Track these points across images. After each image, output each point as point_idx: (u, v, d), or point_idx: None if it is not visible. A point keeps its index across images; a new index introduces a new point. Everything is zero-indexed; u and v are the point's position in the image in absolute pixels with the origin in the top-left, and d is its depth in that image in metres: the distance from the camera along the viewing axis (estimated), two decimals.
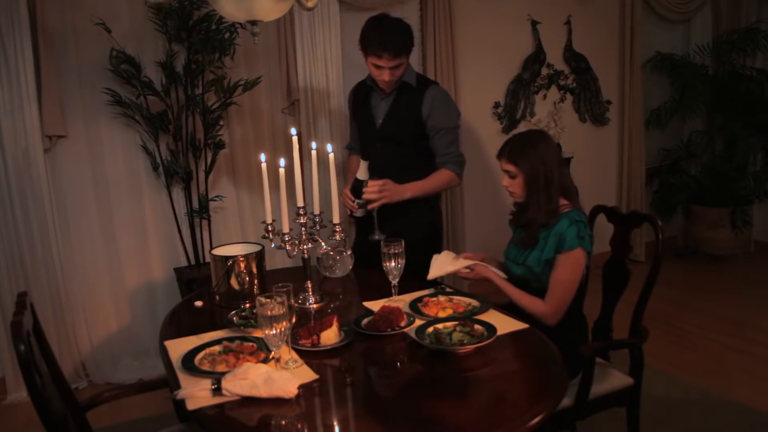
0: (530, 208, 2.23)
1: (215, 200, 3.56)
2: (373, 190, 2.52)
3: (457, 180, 2.82)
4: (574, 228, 2.15)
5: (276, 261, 3.59)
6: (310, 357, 1.83)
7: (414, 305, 2.16)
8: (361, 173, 2.49)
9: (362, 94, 2.88)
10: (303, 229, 2.20)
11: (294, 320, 1.76)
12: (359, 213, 2.66)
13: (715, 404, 2.94)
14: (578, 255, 2.16)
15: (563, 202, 2.23)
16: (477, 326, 1.91)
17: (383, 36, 2.58)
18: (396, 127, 2.74)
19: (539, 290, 2.20)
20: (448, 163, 2.75)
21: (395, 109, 2.75)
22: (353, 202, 2.61)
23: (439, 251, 2.41)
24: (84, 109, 3.34)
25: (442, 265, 2.30)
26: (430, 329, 1.92)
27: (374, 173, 2.52)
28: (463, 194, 4.24)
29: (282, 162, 2.16)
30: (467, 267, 2.31)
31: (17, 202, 3.17)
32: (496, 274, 2.30)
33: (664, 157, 5.16)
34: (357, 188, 2.54)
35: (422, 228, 2.76)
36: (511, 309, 2.24)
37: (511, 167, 2.23)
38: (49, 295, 3.29)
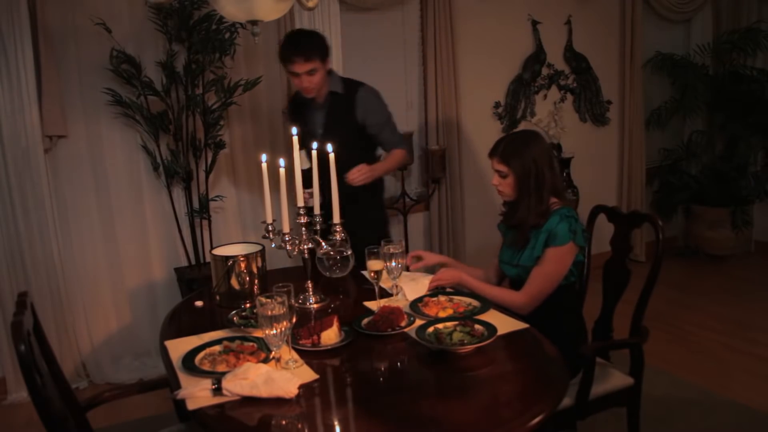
0: (520, 209, 2.24)
1: (215, 200, 3.56)
2: (362, 172, 2.75)
3: (409, 157, 3.23)
4: (565, 223, 2.15)
5: (276, 261, 3.59)
6: (310, 357, 1.83)
7: (414, 305, 2.16)
8: (304, 162, 2.57)
9: (299, 106, 3.07)
10: (303, 229, 2.20)
11: (294, 320, 1.76)
12: (311, 202, 2.68)
13: (715, 404, 2.94)
14: (568, 250, 2.16)
15: (553, 200, 2.23)
16: (477, 326, 1.91)
17: (292, 43, 2.77)
18: (336, 135, 2.73)
19: None
20: (398, 145, 3.02)
21: (330, 118, 2.94)
22: (304, 192, 2.65)
23: (381, 232, 2.69)
24: (84, 109, 3.34)
25: (414, 290, 2.29)
26: (431, 329, 1.92)
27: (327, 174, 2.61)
28: (463, 194, 4.24)
29: (282, 162, 2.17)
30: (436, 278, 2.32)
31: (17, 202, 3.17)
32: (466, 274, 2.32)
33: (665, 157, 5.16)
34: (306, 178, 2.55)
35: (371, 213, 2.97)
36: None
37: (502, 167, 2.23)
38: (50, 295, 3.30)
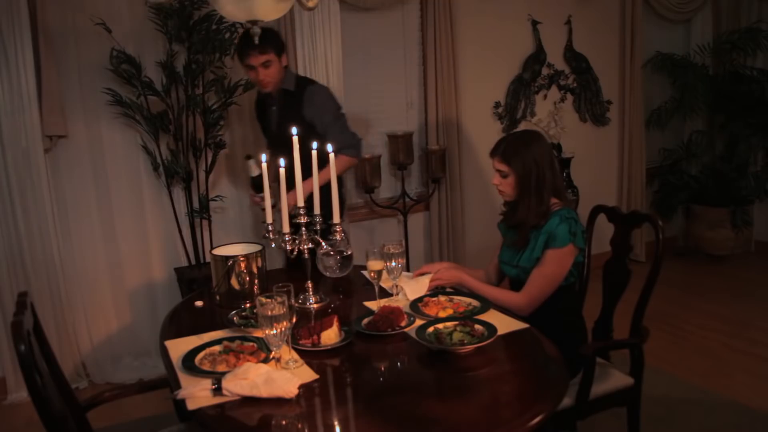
0: (520, 209, 2.23)
1: (215, 200, 3.56)
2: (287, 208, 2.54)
3: (355, 160, 3.06)
4: (565, 225, 2.15)
5: (276, 261, 3.59)
6: (310, 357, 1.83)
7: (414, 305, 2.16)
8: (253, 170, 2.71)
9: (260, 104, 3.17)
10: (303, 229, 2.20)
11: (294, 320, 1.76)
12: (263, 205, 2.73)
13: (715, 404, 2.94)
14: (568, 251, 2.16)
15: (554, 201, 2.23)
16: (477, 326, 1.91)
17: (247, 37, 2.73)
18: (287, 131, 2.77)
19: None
20: (342, 149, 2.92)
21: (282, 115, 2.98)
22: (255, 197, 2.83)
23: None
24: (84, 109, 3.34)
25: (415, 290, 2.30)
26: (431, 329, 1.92)
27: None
28: (463, 194, 4.25)
29: (282, 162, 2.17)
30: (436, 278, 2.32)
31: (18, 202, 3.17)
32: (465, 274, 2.32)
33: (665, 156, 5.16)
34: (256, 185, 2.73)
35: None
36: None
37: (503, 166, 2.23)
38: (50, 295, 3.30)
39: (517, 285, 2.28)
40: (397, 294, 2.27)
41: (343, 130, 3.00)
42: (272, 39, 2.83)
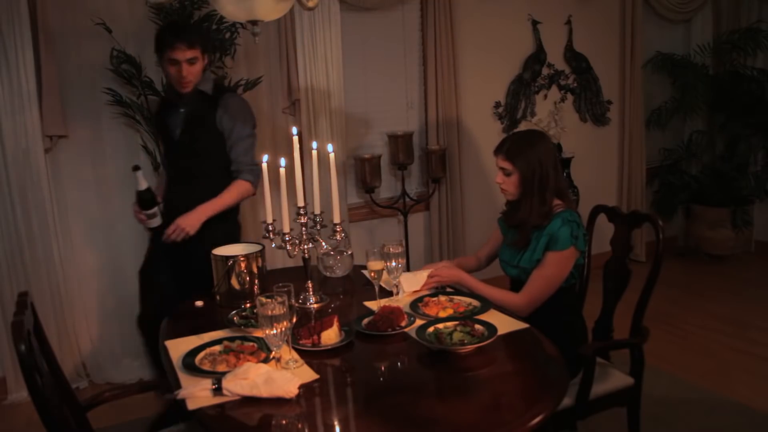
0: (522, 209, 2.23)
1: None
2: (169, 234, 2.57)
3: (252, 190, 2.77)
4: (567, 228, 2.15)
5: (276, 261, 3.59)
6: (310, 357, 1.83)
7: (414, 305, 2.16)
8: (139, 184, 2.55)
9: (162, 105, 2.87)
10: (303, 229, 2.20)
11: (294, 320, 1.76)
12: (154, 223, 2.63)
13: (715, 404, 2.94)
14: (569, 254, 2.16)
15: (557, 202, 2.23)
16: (477, 326, 1.91)
17: (176, 28, 2.62)
18: (192, 138, 2.69)
19: None
20: (244, 172, 2.70)
21: (191, 118, 2.68)
22: (141, 213, 2.62)
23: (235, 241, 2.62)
24: (84, 109, 3.34)
25: (412, 284, 2.30)
26: (431, 329, 1.92)
27: (176, 187, 2.60)
28: (463, 194, 4.24)
29: (282, 162, 2.17)
30: (432, 276, 2.32)
31: (18, 202, 3.18)
32: (464, 273, 2.32)
33: (665, 156, 5.16)
34: (142, 200, 2.58)
35: (217, 240, 2.56)
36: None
37: (507, 165, 2.23)
38: (50, 295, 3.30)
39: (517, 285, 2.28)
40: (398, 294, 2.27)
41: (250, 150, 2.73)
42: (201, 35, 2.68)
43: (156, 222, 2.60)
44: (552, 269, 2.16)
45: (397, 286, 2.27)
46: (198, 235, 2.60)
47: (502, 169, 2.25)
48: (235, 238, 2.73)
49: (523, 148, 2.21)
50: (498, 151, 2.27)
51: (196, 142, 2.68)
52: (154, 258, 2.84)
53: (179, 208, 2.61)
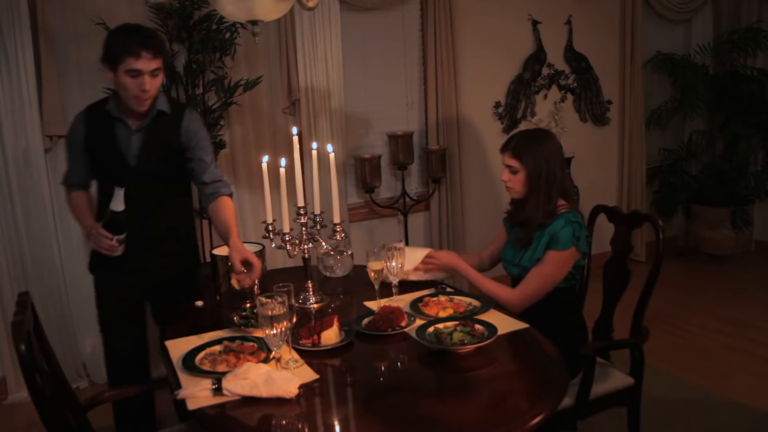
0: (528, 207, 2.23)
1: None
2: (254, 279, 2.17)
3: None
4: (569, 228, 2.14)
5: (276, 261, 3.59)
6: (310, 357, 1.83)
7: (414, 305, 2.16)
8: (118, 204, 2.12)
9: (101, 125, 2.32)
10: (303, 229, 2.20)
11: (294, 320, 1.76)
12: (119, 251, 2.20)
13: (716, 404, 2.94)
14: (569, 255, 2.16)
15: (561, 202, 2.23)
16: (477, 326, 1.91)
17: (139, 34, 2.20)
18: (155, 162, 2.33)
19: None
20: (222, 188, 2.41)
21: (153, 142, 2.31)
22: (112, 240, 2.16)
23: (196, 271, 2.51)
24: None
25: (411, 260, 2.33)
26: (431, 329, 1.92)
27: (131, 212, 2.17)
28: (463, 194, 4.24)
29: (283, 162, 2.16)
30: (430, 257, 2.35)
31: (18, 202, 3.18)
32: (462, 261, 2.34)
33: (665, 156, 5.16)
34: (114, 223, 2.14)
35: (179, 253, 2.48)
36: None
37: (514, 162, 2.22)
38: (50, 295, 3.30)
39: (518, 284, 2.27)
40: (396, 288, 2.26)
41: (216, 166, 2.47)
42: (166, 47, 2.33)
43: (121, 251, 2.20)
44: (550, 268, 2.16)
45: (396, 287, 2.25)
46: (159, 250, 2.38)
47: (508, 167, 2.24)
48: (195, 257, 2.59)
49: (531, 146, 2.20)
50: (505, 148, 2.26)
51: (158, 167, 2.34)
52: (113, 309, 2.47)
53: (136, 236, 2.26)
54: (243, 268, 2.14)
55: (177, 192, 2.48)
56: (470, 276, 2.30)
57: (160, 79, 2.25)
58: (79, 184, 2.45)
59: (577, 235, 2.15)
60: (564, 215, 2.18)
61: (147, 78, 2.18)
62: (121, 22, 3.25)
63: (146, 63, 2.16)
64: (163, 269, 2.40)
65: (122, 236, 2.16)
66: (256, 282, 2.18)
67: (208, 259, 2.92)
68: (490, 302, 2.18)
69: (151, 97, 2.25)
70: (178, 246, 2.47)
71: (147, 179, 2.27)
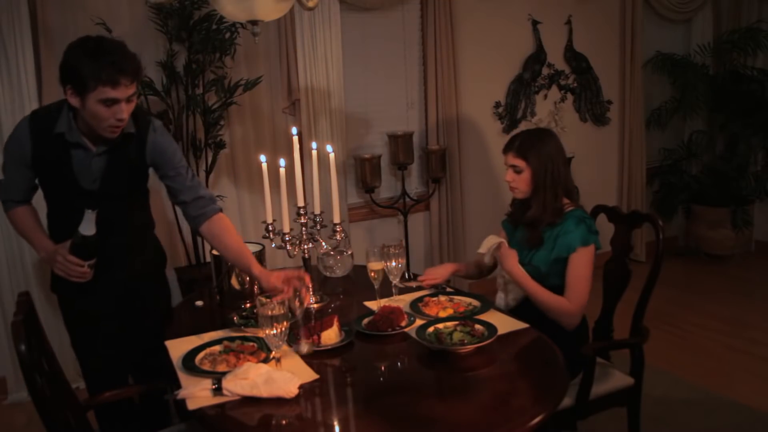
0: (534, 206, 2.22)
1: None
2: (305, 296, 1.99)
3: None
4: (583, 225, 2.14)
5: (276, 261, 3.59)
6: (310, 357, 1.83)
7: (414, 305, 2.17)
8: (89, 227, 1.91)
9: (53, 148, 2.02)
10: (303, 229, 2.20)
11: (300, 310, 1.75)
12: (88, 276, 2.02)
13: (716, 404, 2.94)
14: (593, 249, 2.15)
15: (565, 201, 2.23)
16: (477, 326, 1.91)
17: (112, 56, 1.86)
18: (118, 186, 2.10)
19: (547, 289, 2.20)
20: (208, 206, 2.16)
21: (117, 165, 2.06)
22: (84, 267, 1.97)
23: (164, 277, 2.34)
24: None
25: (488, 241, 2.33)
26: (431, 329, 1.92)
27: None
28: (463, 194, 4.24)
29: (282, 162, 2.16)
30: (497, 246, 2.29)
31: None
32: (520, 267, 2.22)
33: (665, 156, 5.16)
34: (84, 247, 1.94)
35: (150, 263, 2.30)
36: (512, 309, 2.24)
37: (519, 162, 2.21)
38: (50, 295, 3.29)
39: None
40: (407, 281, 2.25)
41: (191, 173, 2.20)
42: (141, 66, 1.96)
43: (90, 275, 2.02)
44: (586, 269, 2.14)
45: (395, 287, 2.25)
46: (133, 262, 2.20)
47: (512, 166, 2.23)
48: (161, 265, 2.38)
49: (535, 145, 2.19)
50: (508, 148, 2.25)
51: (120, 189, 2.11)
52: (89, 330, 2.26)
53: (105, 252, 2.05)
54: (289, 291, 1.92)
55: (140, 205, 2.26)
56: (525, 282, 2.19)
57: (134, 101, 1.97)
58: (22, 200, 2.16)
59: (593, 231, 2.15)
60: (572, 213, 2.18)
61: (123, 105, 1.90)
62: (121, 22, 3.30)
63: (124, 91, 1.87)
64: (137, 277, 2.19)
65: (93, 261, 1.96)
66: (310, 287, 2.05)
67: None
68: (490, 302, 2.18)
69: (123, 125, 1.97)
70: (146, 252, 2.28)
71: (110, 199, 2.05)
